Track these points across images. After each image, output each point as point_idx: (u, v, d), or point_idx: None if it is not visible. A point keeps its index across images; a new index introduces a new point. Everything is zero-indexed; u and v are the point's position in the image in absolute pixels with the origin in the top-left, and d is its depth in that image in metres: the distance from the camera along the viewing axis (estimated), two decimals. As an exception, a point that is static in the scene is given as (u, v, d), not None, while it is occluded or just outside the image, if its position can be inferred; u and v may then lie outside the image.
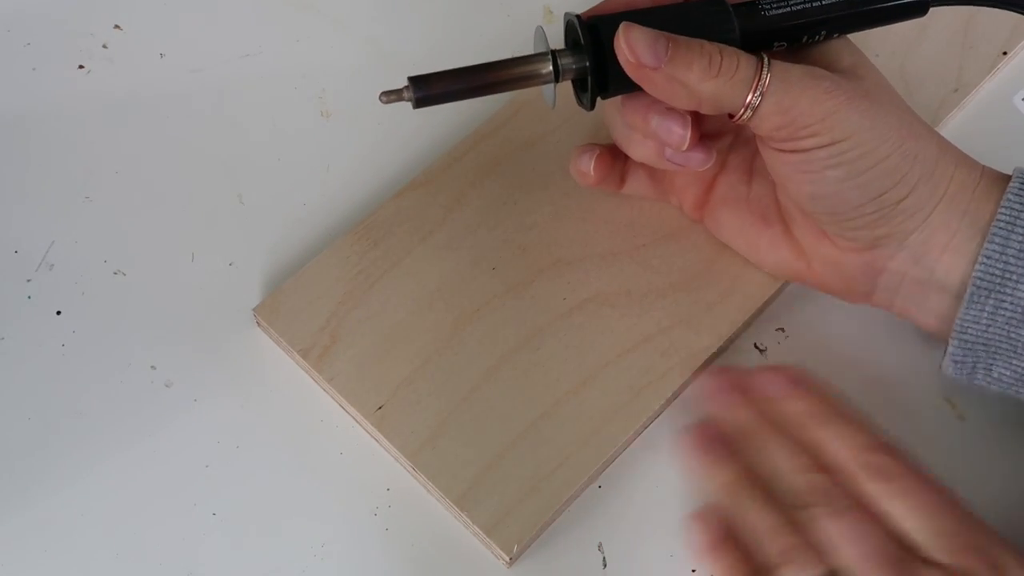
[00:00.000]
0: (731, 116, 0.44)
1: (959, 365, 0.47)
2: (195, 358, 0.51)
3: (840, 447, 0.43)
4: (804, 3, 0.45)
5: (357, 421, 0.49)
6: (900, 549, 0.40)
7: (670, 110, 0.45)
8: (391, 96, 0.44)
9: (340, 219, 0.55)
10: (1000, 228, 0.44)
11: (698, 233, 0.53)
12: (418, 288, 0.52)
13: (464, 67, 0.45)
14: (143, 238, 0.54)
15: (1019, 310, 0.44)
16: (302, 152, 0.57)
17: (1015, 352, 0.45)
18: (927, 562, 0.40)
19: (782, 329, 0.53)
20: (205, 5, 0.62)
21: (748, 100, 0.43)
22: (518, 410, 0.49)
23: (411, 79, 0.44)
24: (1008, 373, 0.46)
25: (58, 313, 0.52)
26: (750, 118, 0.43)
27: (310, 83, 0.60)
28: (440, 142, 0.57)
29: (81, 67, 0.60)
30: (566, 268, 0.52)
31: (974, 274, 0.44)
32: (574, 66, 0.45)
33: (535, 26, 0.47)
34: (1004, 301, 0.44)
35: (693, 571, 0.47)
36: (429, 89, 0.44)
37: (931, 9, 0.47)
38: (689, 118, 0.45)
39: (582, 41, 0.45)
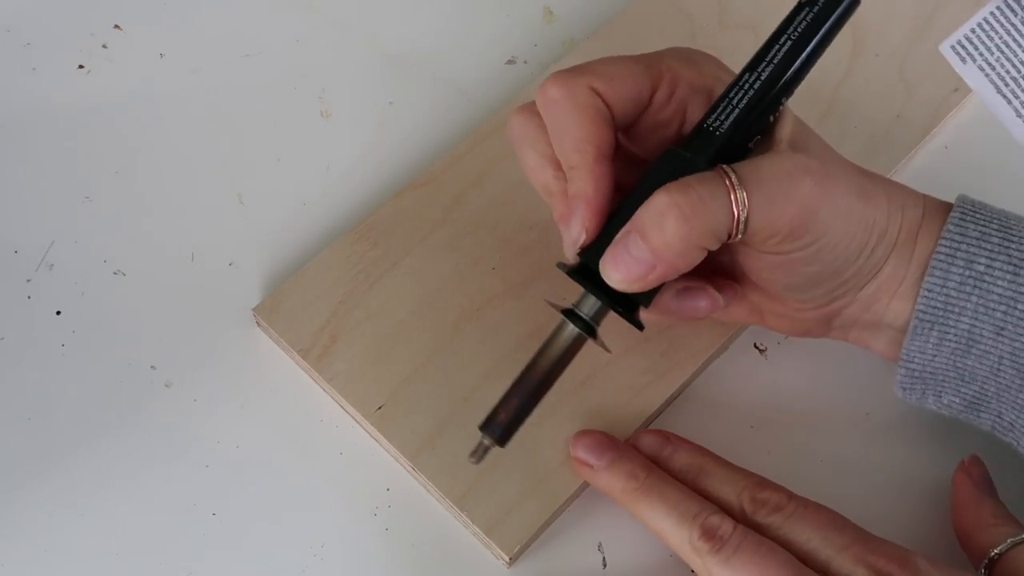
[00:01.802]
0: (729, 237, 0.42)
1: (908, 392, 0.47)
2: (195, 358, 0.51)
3: (728, 490, 0.45)
4: (745, 91, 0.42)
5: (357, 421, 0.49)
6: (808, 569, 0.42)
7: (688, 288, 0.44)
8: (479, 454, 0.43)
9: (340, 219, 0.55)
10: (940, 261, 0.44)
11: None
12: (418, 288, 0.52)
13: (515, 384, 0.43)
14: (143, 238, 0.54)
15: (962, 341, 0.44)
16: (302, 152, 0.57)
17: (962, 380, 0.45)
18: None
19: (782, 329, 0.53)
20: (205, 5, 0.62)
21: (736, 217, 0.40)
22: (518, 410, 0.49)
23: (482, 428, 0.43)
24: (957, 400, 0.46)
25: (58, 313, 0.52)
26: (744, 234, 0.41)
27: (310, 83, 0.60)
28: (440, 142, 0.57)
29: (81, 67, 0.60)
30: (566, 268, 0.52)
31: (917, 307, 0.44)
32: (596, 309, 0.43)
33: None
34: (948, 333, 0.44)
35: (693, 572, 0.47)
36: (500, 425, 0.43)
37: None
38: (709, 287, 0.45)
39: (585, 286, 0.42)
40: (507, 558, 0.46)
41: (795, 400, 0.51)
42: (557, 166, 0.44)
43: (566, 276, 0.43)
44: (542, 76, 0.58)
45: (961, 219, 0.44)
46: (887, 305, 0.45)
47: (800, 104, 0.53)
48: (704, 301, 0.45)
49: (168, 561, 0.46)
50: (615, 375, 0.50)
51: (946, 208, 0.45)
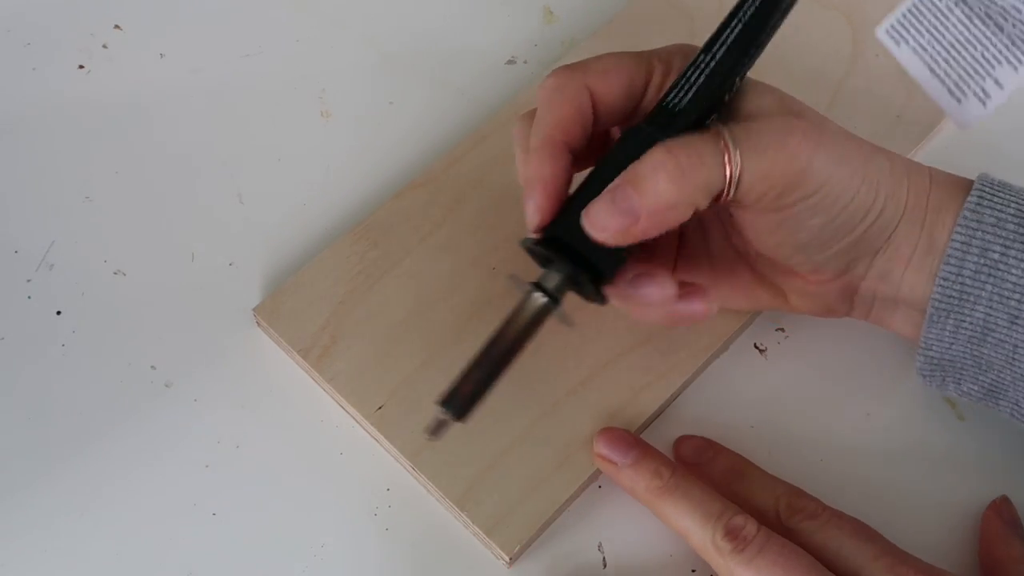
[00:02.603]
0: (717, 199, 0.42)
1: (928, 378, 0.47)
2: (195, 358, 0.51)
3: (766, 495, 0.46)
4: (702, 70, 0.43)
5: (357, 421, 0.49)
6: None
7: (640, 275, 0.44)
8: (436, 429, 0.42)
9: (340, 219, 0.55)
10: (955, 249, 0.44)
11: (698, 233, 0.53)
12: (418, 288, 0.52)
13: (476, 358, 0.43)
14: (143, 238, 0.54)
15: (978, 330, 0.44)
16: (302, 152, 0.57)
17: (980, 369, 0.45)
18: None
19: (782, 329, 0.53)
20: (205, 5, 0.62)
21: (728, 175, 0.41)
22: (518, 410, 0.49)
23: (440, 403, 0.42)
24: (976, 388, 0.46)
25: (58, 313, 0.52)
26: (735, 193, 0.42)
27: (310, 83, 0.60)
28: (440, 142, 0.57)
29: (81, 67, 0.60)
30: (566, 268, 0.52)
31: (932, 295, 0.44)
32: (560, 279, 0.43)
33: (509, 274, 0.44)
34: (963, 321, 0.44)
35: (693, 571, 0.47)
36: (460, 400, 0.42)
37: None
38: (659, 273, 0.44)
39: (552, 257, 0.43)
40: (507, 558, 0.46)
41: (795, 400, 0.51)
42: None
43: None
44: (542, 76, 0.58)
45: (978, 204, 0.44)
46: (902, 275, 0.45)
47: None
48: (655, 288, 0.44)
49: (168, 561, 0.46)
50: (615, 375, 0.50)
51: (956, 183, 0.45)
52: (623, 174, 0.41)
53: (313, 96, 0.59)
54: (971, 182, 0.45)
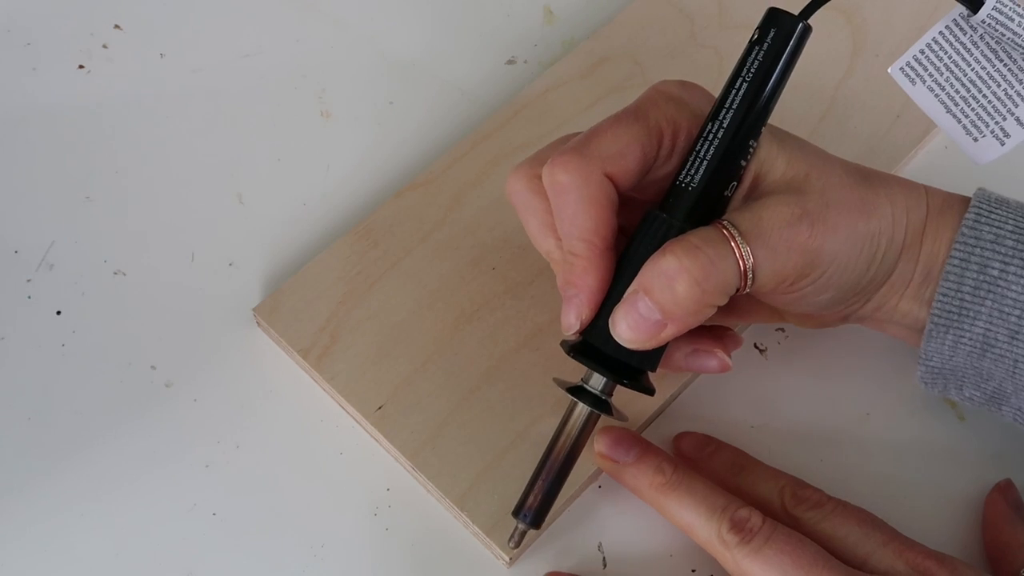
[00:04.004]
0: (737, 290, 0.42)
1: (929, 386, 0.47)
2: (195, 358, 0.51)
3: (769, 487, 0.46)
4: (711, 141, 0.42)
5: (357, 421, 0.49)
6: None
7: (697, 351, 0.45)
8: (516, 539, 0.45)
9: (340, 219, 0.55)
10: (954, 266, 0.44)
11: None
12: (418, 288, 0.52)
13: (538, 468, 0.45)
14: (143, 238, 0.54)
15: (978, 344, 0.44)
16: (302, 152, 0.57)
17: (981, 378, 0.45)
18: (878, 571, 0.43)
19: (782, 329, 0.53)
20: (205, 5, 0.62)
21: (743, 269, 0.41)
22: (518, 410, 0.49)
23: (514, 514, 0.45)
24: (978, 394, 0.46)
25: (58, 313, 0.52)
26: (752, 286, 0.42)
27: (310, 83, 0.60)
28: (440, 142, 0.57)
29: (81, 67, 0.60)
30: (566, 268, 0.52)
31: (932, 310, 0.44)
32: (604, 383, 0.44)
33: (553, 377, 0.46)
34: (963, 336, 0.44)
35: (693, 571, 0.47)
36: (531, 510, 0.45)
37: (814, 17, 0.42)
38: (717, 350, 0.46)
39: (589, 366, 0.43)
40: (507, 558, 0.46)
41: (795, 400, 0.51)
42: (558, 235, 0.44)
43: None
44: (542, 76, 0.58)
45: (976, 221, 0.44)
46: (896, 306, 0.45)
47: (800, 104, 0.53)
48: (714, 361, 0.46)
49: (168, 561, 0.46)
50: (615, 375, 0.50)
51: (952, 203, 0.45)
52: (632, 285, 0.41)
53: (313, 96, 0.59)
54: (968, 199, 0.45)
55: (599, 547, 0.47)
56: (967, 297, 0.44)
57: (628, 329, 0.41)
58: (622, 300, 0.42)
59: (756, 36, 0.42)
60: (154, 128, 0.58)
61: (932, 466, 0.50)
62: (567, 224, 0.42)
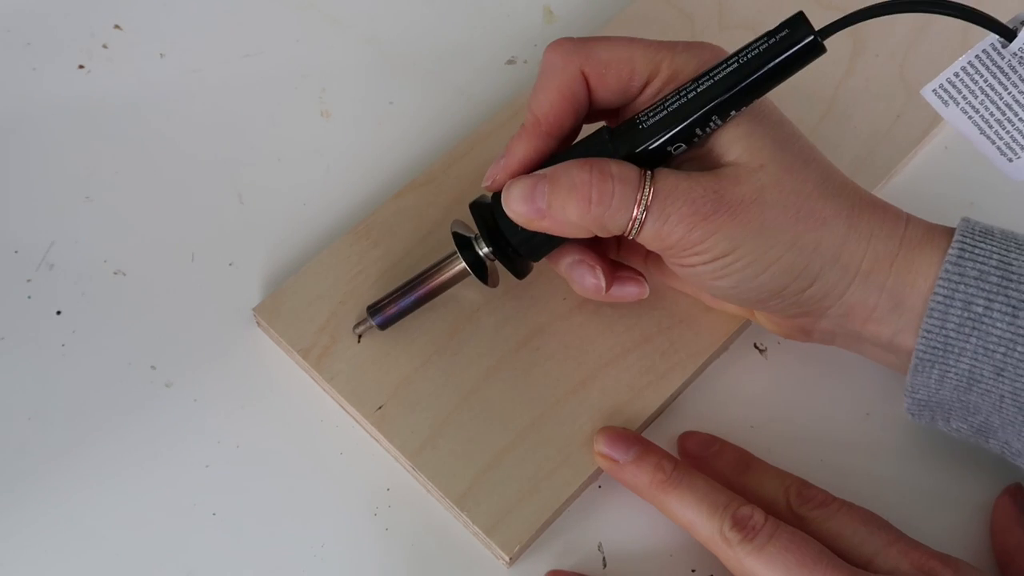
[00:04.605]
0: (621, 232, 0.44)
1: (916, 417, 0.47)
2: (195, 358, 0.51)
3: (774, 485, 0.46)
4: (680, 99, 0.43)
5: (357, 421, 0.49)
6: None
7: (580, 262, 0.47)
8: (362, 327, 0.50)
9: (340, 219, 0.55)
10: (938, 303, 0.43)
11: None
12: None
13: (406, 285, 0.49)
14: (143, 238, 0.54)
15: (963, 380, 0.44)
16: (302, 152, 0.57)
17: (968, 412, 0.45)
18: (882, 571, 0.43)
19: (782, 329, 0.53)
20: (205, 5, 0.62)
21: (633, 217, 0.43)
22: (518, 410, 0.49)
23: (369, 310, 0.49)
24: (965, 426, 0.46)
25: (58, 313, 0.52)
26: (638, 235, 0.43)
27: (310, 83, 0.60)
28: (440, 142, 0.57)
29: (81, 67, 0.60)
30: (566, 268, 0.52)
31: (917, 346, 0.44)
32: (488, 249, 0.46)
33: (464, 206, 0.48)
34: (948, 372, 0.44)
35: (693, 571, 0.47)
36: (384, 315, 0.49)
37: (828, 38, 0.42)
38: (598, 268, 0.47)
39: (478, 223, 0.46)
40: (507, 558, 0.46)
41: (795, 400, 0.51)
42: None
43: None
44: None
45: (959, 256, 0.43)
46: (862, 326, 0.45)
47: (800, 104, 0.53)
48: (591, 278, 0.47)
49: (168, 561, 0.46)
50: (615, 375, 0.50)
51: (934, 235, 0.44)
52: (549, 169, 0.44)
53: (313, 96, 0.59)
54: (952, 230, 0.45)
55: (599, 547, 0.47)
56: (951, 334, 0.43)
57: (516, 198, 0.44)
58: (530, 174, 0.44)
59: (773, 29, 0.42)
60: (154, 128, 0.58)
61: (932, 467, 0.50)
62: (532, 96, 0.46)
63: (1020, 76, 0.42)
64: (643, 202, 0.43)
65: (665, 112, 0.43)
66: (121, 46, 0.60)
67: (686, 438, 0.49)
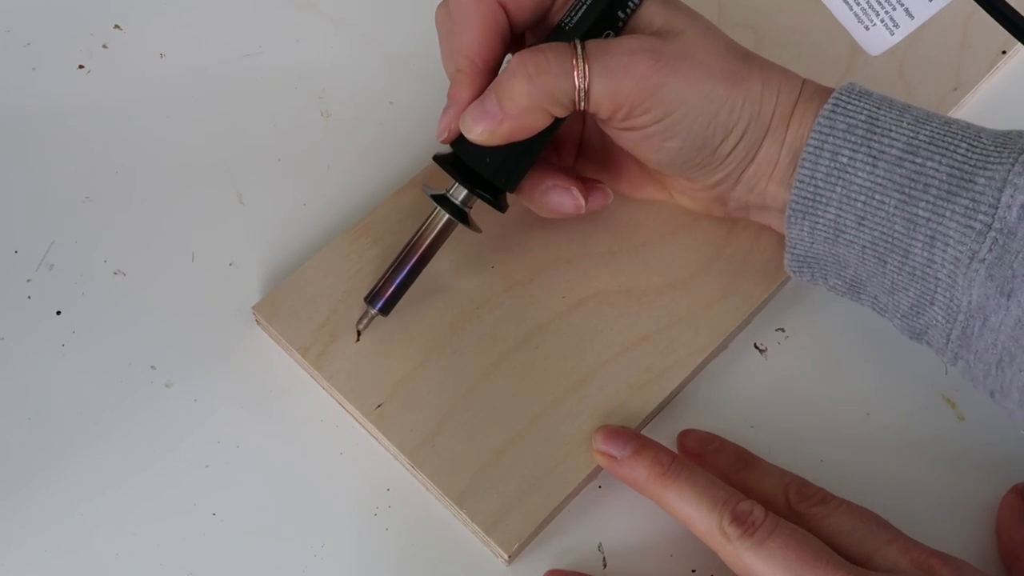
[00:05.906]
0: (577, 109, 0.46)
1: (797, 273, 0.49)
2: (195, 358, 0.51)
3: (773, 482, 0.46)
4: None
5: (357, 420, 0.49)
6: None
7: (554, 186, 0.49)
8: (366, 322, 0.50)
9: (340, 218, 0.55)
10: (809, 154, 0.45)
11: (697, 233, 0.53)
12: (417, 286, 0.52)
13: (395, 263, 0.49)
14: (143, 238, 0.54)
15: (831, 230, 0.46)
16: (302, 152, 0.57)
17: (840, 265, 0.47)
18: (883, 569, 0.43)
19: (782, 329, 0.53)
20: (205, 5, 0.62)
21: (577, 86, 0.44)
22: (517, 408, 0.49)
23: (367, 300, 0.49)
24: (840, 283, 0.48)
25: (58, 313, 0.52)
26: (587, 105, 0.45)
27: (310, 83, 0.60)
28: (439, 142, 0.57)
29: (81, 67, 0.60)
30: (565, 267, 0.52)
31: (790, 197, 0.46)
32: (465, 195, 0.48)
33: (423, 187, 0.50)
34: (818, 223, 0.46)
35: (693, 571, 0.47)
36: (383, 298, 0.49)
37: None
38: (573, 188, 0.49)
39: (451, 173, 0.48)
40: (506, 556, 0.46)
41: (795, 400, 0.51)
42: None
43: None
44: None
45: (832, 111, 0.45)
46: (765, 188, 0.48)
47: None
48: (569, 200, 0.49)
49: (168, 561, 0.46)
50: (614, 373, 0.50)
51: (822, 93, 0.47)
52: (493, 82, 0.46)
53: (313, 96, 0.59)
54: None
55: (599, 547, 0.47)
56: (820, 184, 0.45)
57: (472, 118, 0.46)
58: (478, 100, 0.46)
59: None
60: (154, 128, 0.58)
61: (932, 466, 0.50)
62: (456, 42, 0.47)
63: None
64: (581, 65, 0.44)
65: (585, 6, 0.46)
66: (121, 46, 0.60)
67: (685, 435, 0.49)
